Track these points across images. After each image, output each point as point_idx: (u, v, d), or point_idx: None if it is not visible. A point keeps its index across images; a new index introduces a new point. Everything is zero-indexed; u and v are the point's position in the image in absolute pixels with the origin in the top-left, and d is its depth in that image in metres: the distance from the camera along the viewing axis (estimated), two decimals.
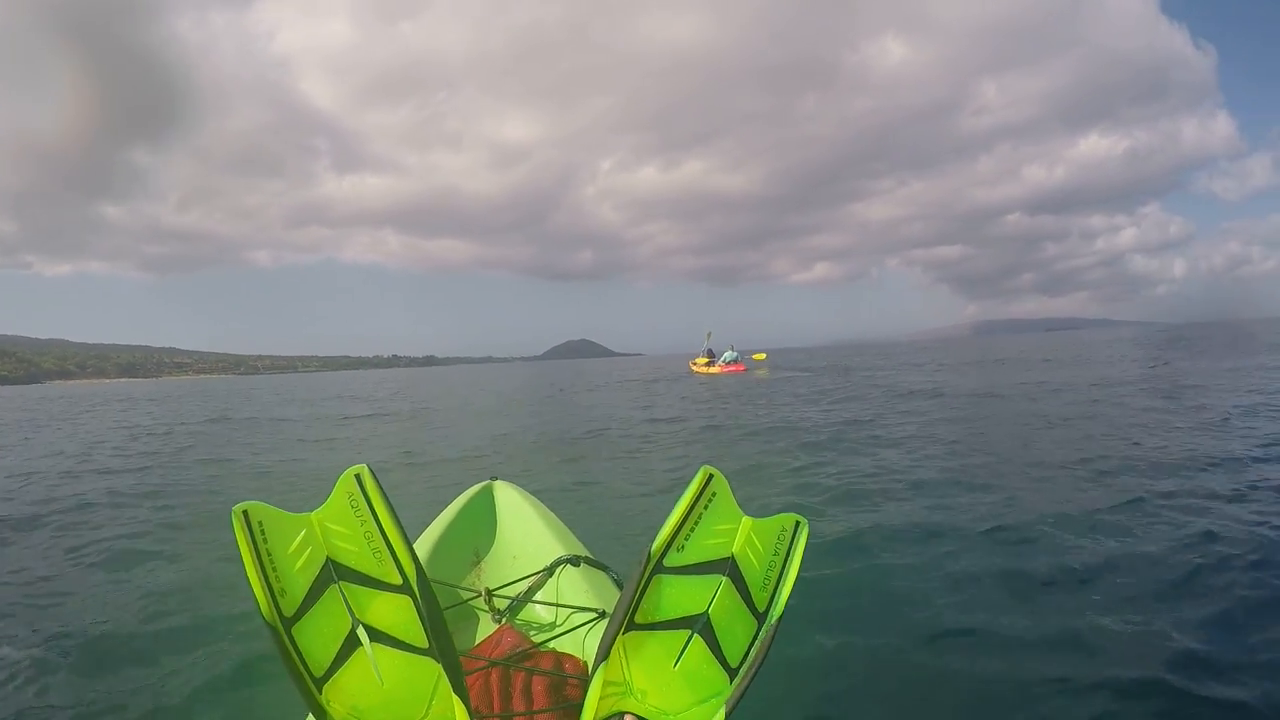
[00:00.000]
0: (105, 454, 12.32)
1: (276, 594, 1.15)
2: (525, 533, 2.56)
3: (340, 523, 1.20)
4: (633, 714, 1.26)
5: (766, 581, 1.31)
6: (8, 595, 4.42)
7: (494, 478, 2.98)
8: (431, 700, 1.19)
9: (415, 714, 1.19)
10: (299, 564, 1.17)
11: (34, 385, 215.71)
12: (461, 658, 1.59)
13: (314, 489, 7.29)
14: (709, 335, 41.30)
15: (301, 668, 1.15)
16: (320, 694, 1.15)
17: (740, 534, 1.32)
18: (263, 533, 1.15)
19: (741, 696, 1.24)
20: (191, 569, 4.73)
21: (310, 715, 1.16)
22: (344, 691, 1.17)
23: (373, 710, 1.17)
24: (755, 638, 1.30)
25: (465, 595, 2.16)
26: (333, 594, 1.18)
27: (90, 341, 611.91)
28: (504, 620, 2.03)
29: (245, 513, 1.15)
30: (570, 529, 2.68)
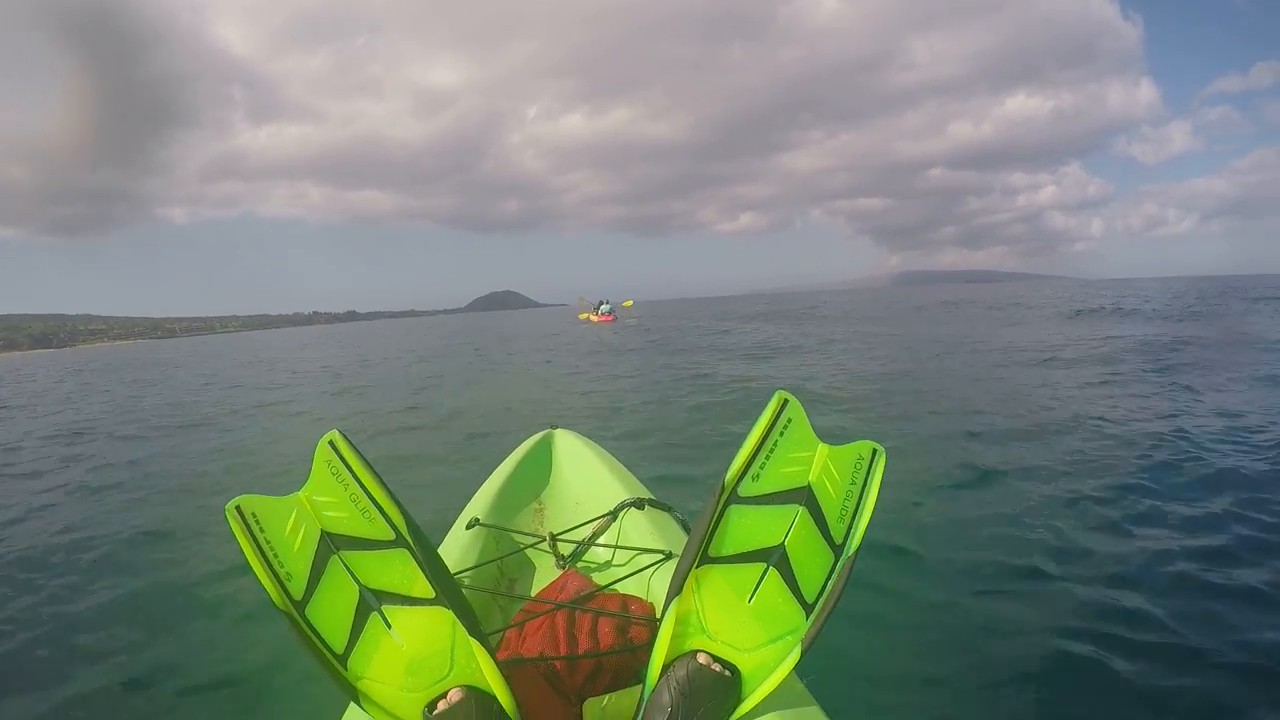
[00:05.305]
0: None
1: (283, 580, 1.18)
2: (587, 479, 2.57)
3: (326, 493, 1.21)
4: (705, 652, 1.25)
5: (844, 512, 1.26)
6: None
7: (553, 426, 3.00)
8: (453, 652, 1.20)
9: (441, 670, 1.20)
10: (297, 545, 1.19)
11: None
12: (527, 603, 1.77)
13: None
14: (629, 304, 48.26)
15: (322, 647, 1.18)
16: (346, 670, 1.19)
17: (817, 462, 1.27)
18: (258, 523, 1.18)
19: (817, 634, 1.22)
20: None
21: (350, 701, 1.22)
22: (368, 662, 1.19)
23: (400, 675, 1.20)
24: (832, 571, 1.25)
25: (528, 542, 2.17)
26: (334, 565, 1.20)
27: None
28: (568, 565, 2.02)
29: (238, 508, 1.18)
30: (633, 472, 2.67)
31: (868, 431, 6.59)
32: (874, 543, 3.64)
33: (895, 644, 2.93)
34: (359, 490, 1.21)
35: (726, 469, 1.28)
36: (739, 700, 1.23)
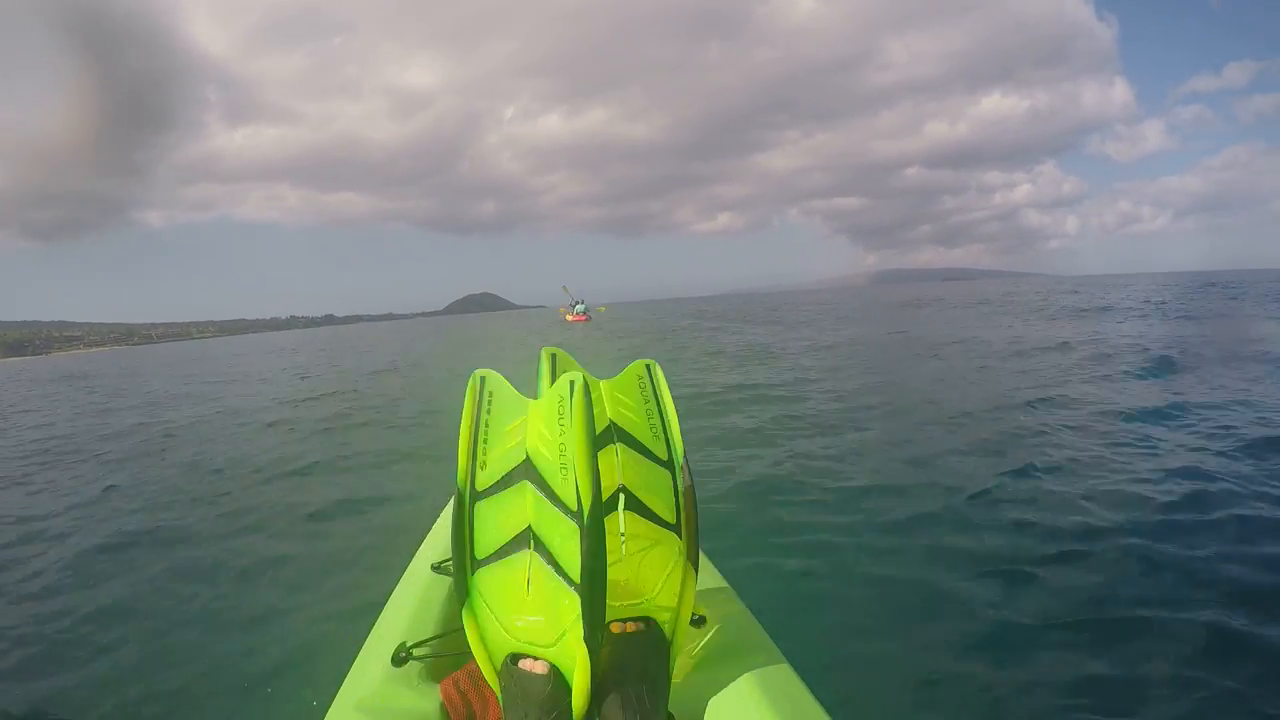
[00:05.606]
0: None
1: (478, 465, 1.17)
2: None
3: (546, 425, 1.16)
4: (615, 620, 1.21)
5: (654, 430, 1.29)
6: None
7: None
8: (564, 635, 1.14)
9: (548, 636, 1.14)
10: (508, 446, 1.17)
11: None
12: None
13: None
14: (603, 309, 50.63)
15: (467, 544, 1.16)
16: (471, 575, 1.17)
17: (607, 399, 1.29)
18: (489, 403, 1.18)
19: (697, 546, 1.25)
20: None
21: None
22: (492, 583, 1.16)
23: (510, 612, 1.16)
24: (675, 486, 1.26)
25: None
26: (523, 489, 1.16)
27: None
28: None
29: (482, 379, 1.19)
30: None
31: (880, 427, 7.13)
32: (877, 530, 3.95)
33: (885, 624, 3.03)
34: (569, 448, 1.13)
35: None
36: (670, 640, 1.21)
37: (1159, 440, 5.68)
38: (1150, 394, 7.65)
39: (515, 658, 1.15)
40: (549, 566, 1.13)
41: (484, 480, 1.16)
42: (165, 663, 3.19)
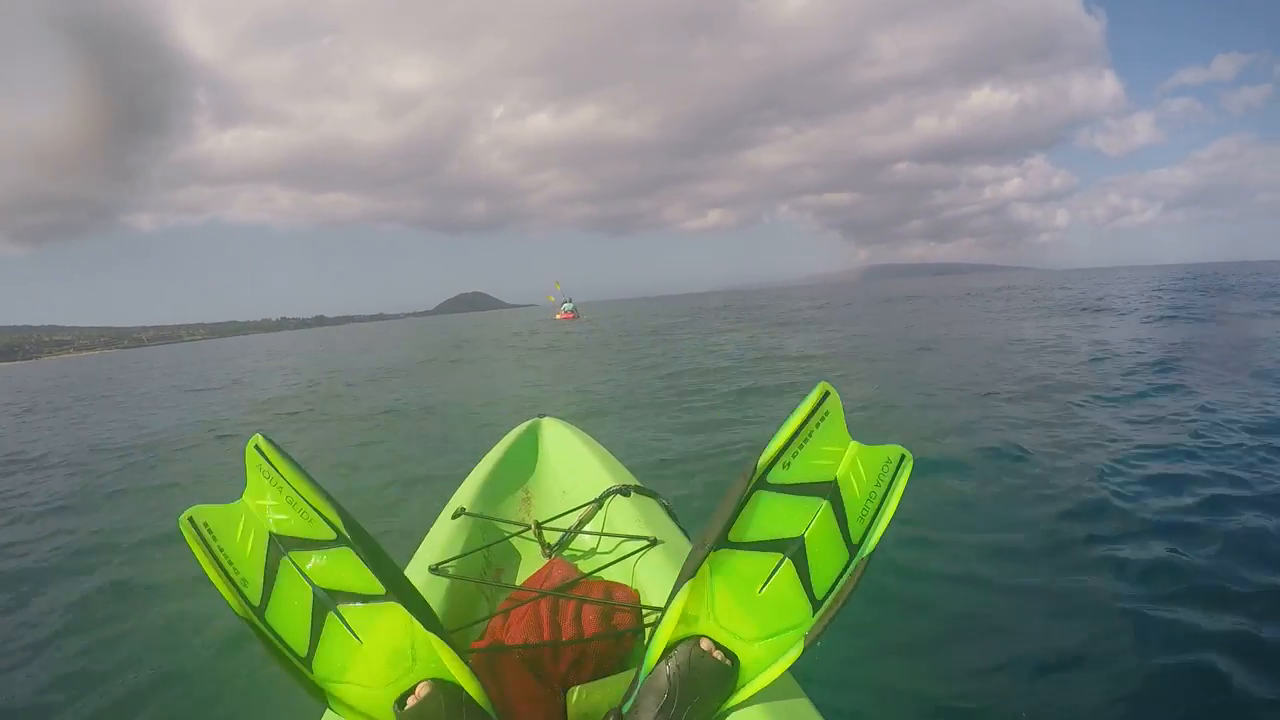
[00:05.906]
0: None
1: (240, 586, 1.17)
2: (574, 467, 2.58)
3: (265, 496, 1.20)
4: (709, 638, 1.24)
5: (865, 512, 1.25)
6: None
7: (541, 415, 3.01)
8: (414, 647, 1.20)
9: (404, 665, 1.20)
10: (249, 550, 1.18)
11: None
12: (513, 592, 1.78)
13: None
14: (586, 316, 54.79)
15: (286, 652, 1.17)
16: (312, 672, 1.18)
17: (846, 458, 1.26)
18: (210, 532, 1.17)
19: (822, 631, 1.22)
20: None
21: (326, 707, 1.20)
22: (332, 663, 1.19)
23: (365, 674, 1.19)
24: (845, 570, 1.25)
25: (514, 530, 2.19)
26: (286, 567, 1.19)
27: None
28: (553, 553, 2.04)
29: (190, 519, 1.17)
30: (620, 460, 2.70)
31: (898, 422, 7.00)
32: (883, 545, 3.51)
33: (886, 646, 2.86)
34: (292, 492, 1.21)
35: (759, 453, 1.26)
36: (734, 690, 1.23)
37: (1186, 425, 5.76)
38: (1171, 383, 7.76)
39: (400, 702, 1.17)
40: (358, 604, 1.20)
41: (254, 592, 1.18)
42: (170, 662, 3.20)
